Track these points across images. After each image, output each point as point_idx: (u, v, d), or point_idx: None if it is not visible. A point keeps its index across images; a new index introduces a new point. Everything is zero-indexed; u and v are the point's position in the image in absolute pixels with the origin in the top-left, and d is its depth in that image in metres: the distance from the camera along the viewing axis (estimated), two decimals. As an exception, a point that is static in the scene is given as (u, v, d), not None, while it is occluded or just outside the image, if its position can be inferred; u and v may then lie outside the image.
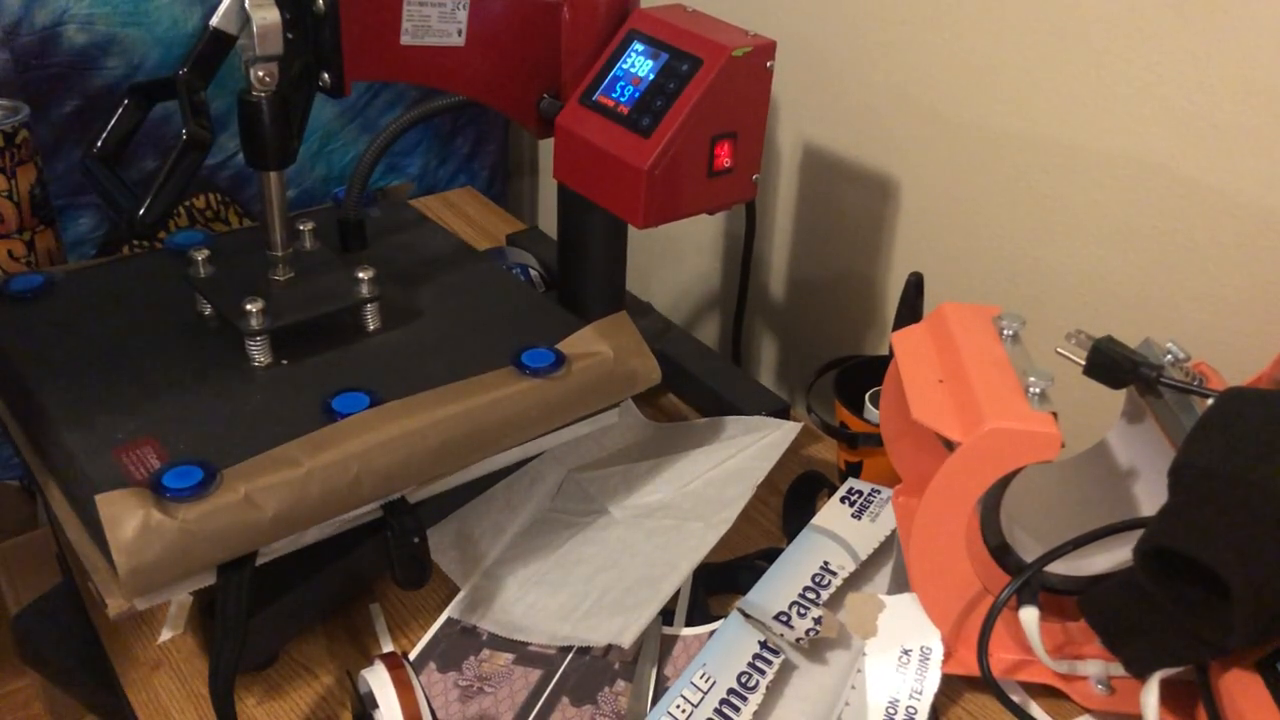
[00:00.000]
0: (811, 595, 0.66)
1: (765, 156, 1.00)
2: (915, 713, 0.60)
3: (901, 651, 0.63)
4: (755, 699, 0.60)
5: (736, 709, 0.60)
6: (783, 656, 0.63)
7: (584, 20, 0.77)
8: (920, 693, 0.61)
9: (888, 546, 0.72)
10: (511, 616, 0.68)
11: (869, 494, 0.76)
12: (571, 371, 0.69)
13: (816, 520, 0.73)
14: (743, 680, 0.61)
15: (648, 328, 0.94)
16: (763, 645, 0.63)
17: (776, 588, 0.67)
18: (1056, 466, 0.69)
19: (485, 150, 1.32)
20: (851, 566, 0.69)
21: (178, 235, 0.81)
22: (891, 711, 0.60)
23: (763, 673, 0.62)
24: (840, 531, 0.72)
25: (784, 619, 0.65)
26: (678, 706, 0.59)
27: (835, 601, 0.68)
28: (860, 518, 0.73)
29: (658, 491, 0.77)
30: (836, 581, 0.68)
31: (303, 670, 0.66)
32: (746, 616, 0.65)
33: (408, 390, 0.65)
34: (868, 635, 0.64)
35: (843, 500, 0.75)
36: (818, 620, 0.65)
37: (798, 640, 0.63)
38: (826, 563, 0.69)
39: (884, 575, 0.72)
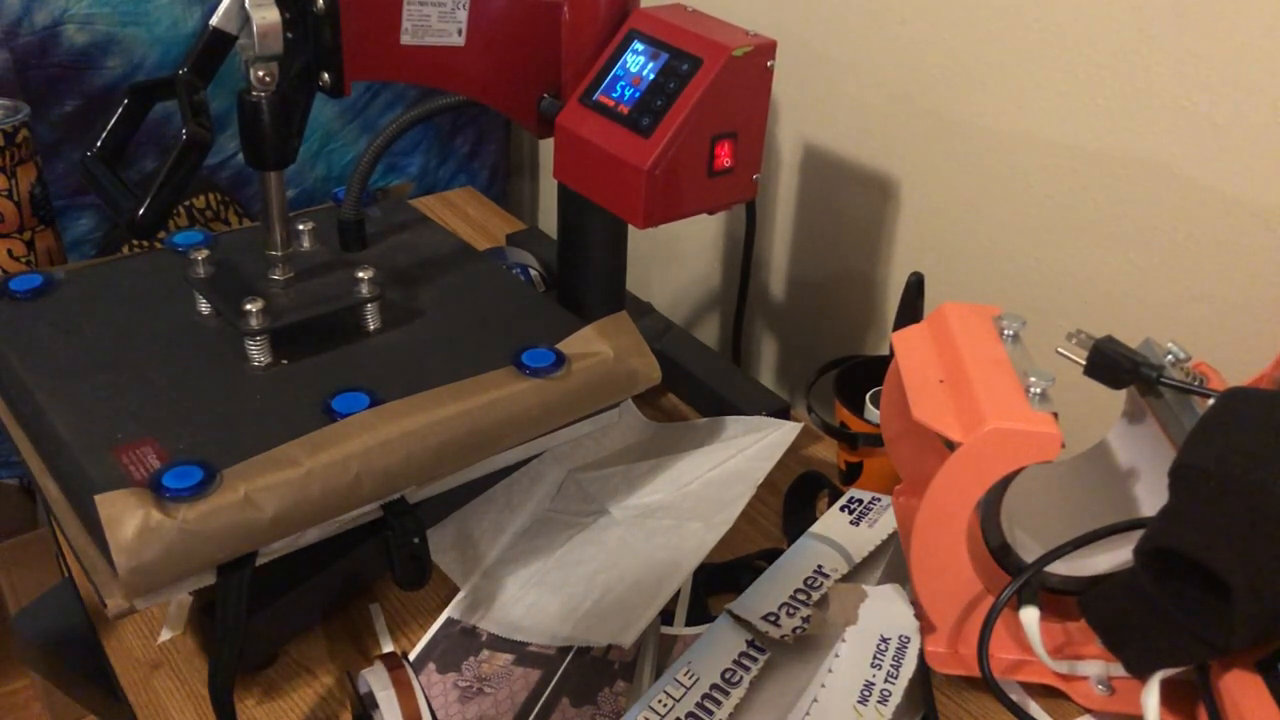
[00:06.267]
0: (802, 597, 0.66)
1: (765, 156, 1.00)
2: (889, 695, 0.60)
3: (880, 639, 0.63)
4: (737, 693, 0.60)
5: (718, 703, 0.60)
6: (768, 654, 0.63)
7: (584, 20, 0.77)
8: (895, 678, 0.61)
9: (884, 550, 0.72)
10: (511, 617, 0.68)
11: (869, 502, 0.76)
12: (571, 371, 0.69)
13: (815, 528, 0.73)
14: (726, 676, 0.61)
15: (648, 328, 0.94)
16: (749, 644, 0.64)
17: (768, 591, 0.67)
18: (1057, 466, 0.69)
19: (485, 150, 1.32)
20: (845, 569, 0.69)
21: (178, 235, 0.81)
22: (866, 693, 0.60)
23: (747, 669, 0.62)
24: (837, 537, 0.72)
25: (772, 618, 0.65)
26: (659, 701, 0.60)
27: (826, 602, 0.68)
28: (859, 524, 0.73)
29: (658, 492, 0.77)
30: (828, 583, 0.68)
31: (303, 670, 0.66)
32: (736, 618, 0.65)
33: (408, 390, 0.65)
34: (848, 623, 0.64)
35: (842, 509, 0.75)
36: (805, 619, 0.65)
37: (782, 636, 0.63)
38: (820, 566, 0.69)
39: (878, 575, 0.72)
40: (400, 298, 0.77)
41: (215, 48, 0.67)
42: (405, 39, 0.71)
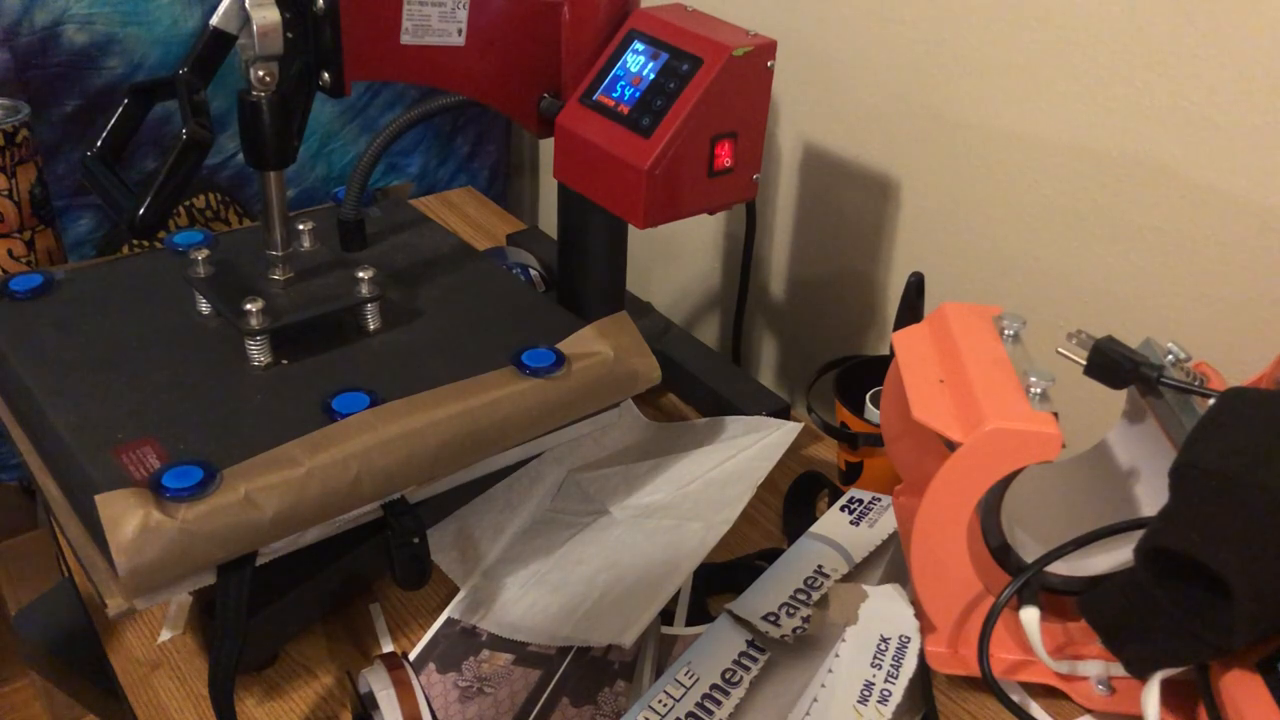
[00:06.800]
0: (802, 596, 0.66)
1: (765, 156, 1.00)
2: (889, 695, 0.60)
3: (880, 639, 0.63)
4: (737, 693, 0.60)
5: (718, 703, 0.60)
6: (768, 654, 0.63)
7: (584, 20, 0.77)
8: (895, 677, 0.61)
9: (884, 550, 0.72)
10: (511, 617, 0.68)
11: (869, 502, 0.76)
12: (571, 371, 0.69)
13: (815, 528, 0.73)
14: (726, 676, 0.61)
15: (648, 328, 0.94)
16: (749, 644, 0.64)
17: (768, 591, 0.67)
18: (1057, 466, 0.69)
19: (485, 150, 1.32)
20: (845, 569, 0.69)
21: (178, 235, 0.81)
22: (866, 693, 0.60)
23: (747, 669, 0.62)
24: (837, 538, 0.72)
25: (772, 618, 0.65)
26: (659, 701, 0.60)
27: (826, 602, 0.68)
28: (859, 524, 0.73)
29: (658, 492, 0.77)
30: (828, 583, 0.68)
31: (303, 670, 0.66)
32: (736, 618, 0.65)
33: (408, 390, 0.65)
34: (848, 623, 0.64)
35: (843, 509, 0.75)
36: (805, 619, 0.65)
37: (783, 636, 0.63)
38: (820, 566, 0.69)
39: (878, 575, 0.72)
40: (400, 298, 0.77)
41: (215, 48, 0.67)
42: (405, 39, 0.71)
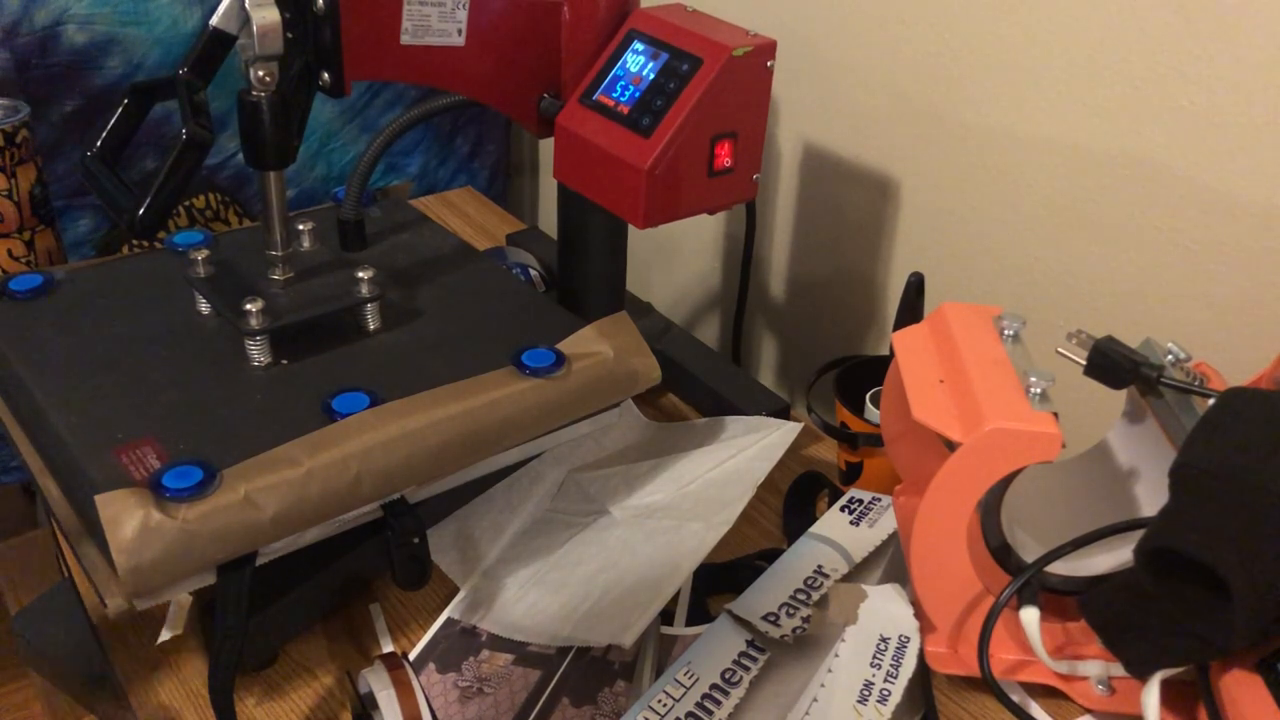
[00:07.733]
0: (802, 596, 0.66)
1: (765, 156, 1.00)
2: (889, 694, 0.60)
3: (880, 639, 0.63)
4: (737, 693, 0.60)
5: (718, 703, 0.60)
6: (768, 654, 0.63)
7: (584, 20, 0.77)
8: (895, 677, 0.61)
9: (884, 550, 0.72)
10: (511, 617, 0.68)
11: (869, 502, 0.76)
12: (571, 371, 0.69)
13: (815, 528, 0.73)
14: (726, 676, 0.61)
15: (648, 328, 0.94)
16: (749, 644, 0.64)
17: (768, 591, 0.67)
18: (1057, 466, 0.69)
19: (485, 150, 1.32)
20: (845, 569, 0.69)
21: (178, 235, 0.81)
22: (865, 692, 0.60)
23: (747, 669, 0.62)
24: (837, 538, 0.72)
25: (772, 619, 0.65)
26: (659, 701, 0.60)
27: (826, 602, 0.68)
28: (859, 524, 0.73)
29: (658, 492, 0.77)
30: (828, 583, 0.68)
31: (303, 670, 0.66)
32: (736, 618, 0.65)
33: (408, 390, 0.65)
34: (848, 623, 0.65)
35: (843, 509, 0.75)
36: (805, 619, 0.65)
37: (782, 636, 0.63)
38: (820, 566, 0.69)
39: (878, 575, 0.72)
40: (400, 298, 0.77)
41: (215, 48, 0.67)
42: (405, 39, 0.71)
